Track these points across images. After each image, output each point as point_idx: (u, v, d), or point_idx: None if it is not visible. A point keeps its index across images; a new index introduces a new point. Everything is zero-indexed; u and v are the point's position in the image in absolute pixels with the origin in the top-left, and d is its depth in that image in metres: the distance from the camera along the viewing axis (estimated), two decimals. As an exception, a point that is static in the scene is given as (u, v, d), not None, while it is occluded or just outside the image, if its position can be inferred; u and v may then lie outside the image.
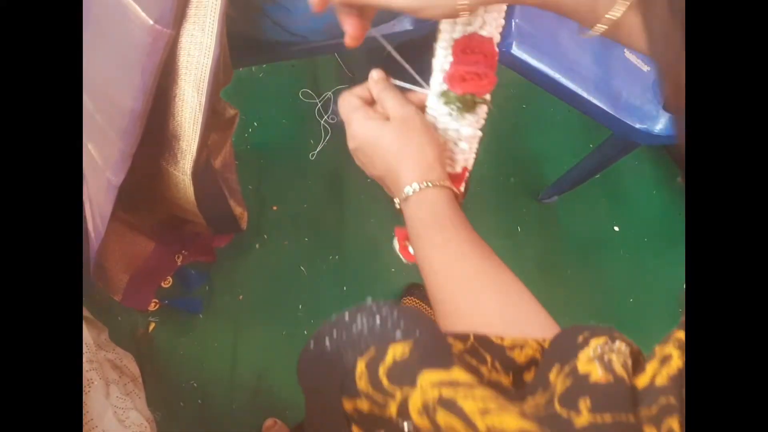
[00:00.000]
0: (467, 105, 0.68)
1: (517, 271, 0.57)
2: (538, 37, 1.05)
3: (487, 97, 0.68)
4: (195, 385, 1.28)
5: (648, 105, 1.11)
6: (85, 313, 1.19)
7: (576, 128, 1.76)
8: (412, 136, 0.63)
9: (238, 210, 1.19)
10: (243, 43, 0.82)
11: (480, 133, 0.70)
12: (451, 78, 0.66)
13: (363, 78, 0.71)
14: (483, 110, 0.68)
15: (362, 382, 0.40)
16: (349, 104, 0.67)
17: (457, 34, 0.65)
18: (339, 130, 1.51)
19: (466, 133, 0.69)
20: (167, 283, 1.28)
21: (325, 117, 1.49)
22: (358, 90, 0.68)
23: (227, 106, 0.95)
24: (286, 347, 1.34)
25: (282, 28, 0.78)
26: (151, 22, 0.71)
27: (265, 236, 1.39)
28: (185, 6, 0.70)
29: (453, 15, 0.56)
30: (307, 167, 1.46)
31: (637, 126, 1.09)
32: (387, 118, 0.64)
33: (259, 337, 1.33)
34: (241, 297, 1.34)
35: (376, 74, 0.67)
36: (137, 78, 0.75)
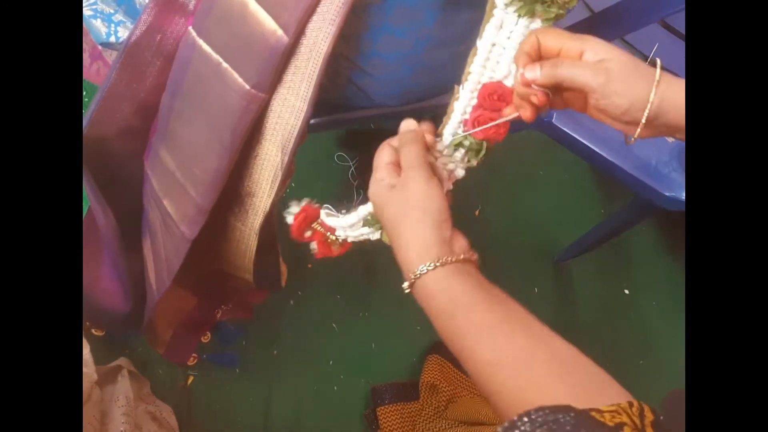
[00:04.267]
0: (479, 151, 0.69)
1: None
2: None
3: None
4: (228, 438, 1.29)
5: (674, 173, 1.18)
6: (129, 367, 1.20)
7: (588, 194, 1.83)
8: (411, 208, 0.61)
9: (282, 267, 1.23)
10: (323, 108, 0.87)
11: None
12: (474, 123, 0.67)
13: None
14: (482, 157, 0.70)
15: None
16: (378, 158, 0.67)
17: (485, 79, 0.67)
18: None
19: (459, 175, 0.71)
20: (206, 338, 1.30)
21: (358, 180, 1.55)
22: (394, 141, 0.68)
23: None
24: (316, 402, 1.36)
25: (365, 94, 0.84)
26: (248, 87, 0.76)
27: (300, 293, 1.42)
28: (282, 72, 0.76)
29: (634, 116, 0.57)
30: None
31: (666, 194, 1.15)
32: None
33: (291, 391, 1.35)
34: (275, 352, 1.37)
35: (405, 124, 0.68)
36: (226, 138, 0.81)
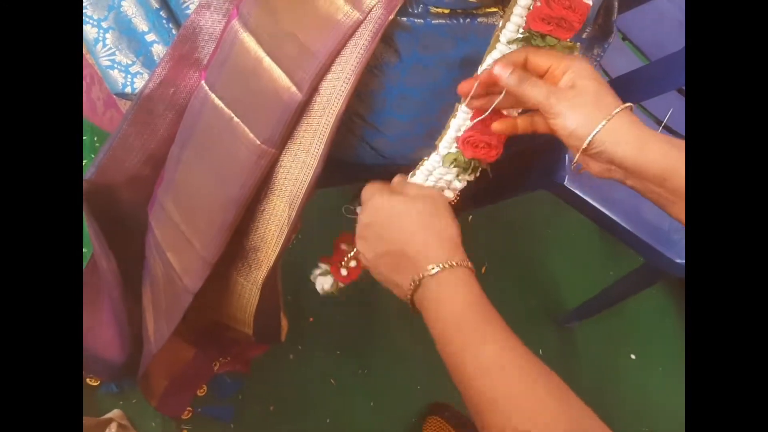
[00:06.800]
0: (470, 169, 0.73)
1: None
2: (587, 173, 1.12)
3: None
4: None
5: (683, 241, 1.16)
6: (122, 419, 1.17)
7: (595, 255, 1.82)
8: (438, 214, 0.66)
9: (283, 321, 1.20)
10: (332, 164, 0.86)
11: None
12: (464, 142, 0.71)
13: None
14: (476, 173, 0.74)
15: None
16: (372, 186, 0.72)
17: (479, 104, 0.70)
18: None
19: (456, 186, 0.75)
20: (202, 392, 1.27)
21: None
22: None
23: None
24: (312, 462, 1.33)
25: (377, 152, 0.83)
26: (258, 141, 0.76)
27: (300, 347, 1.40)
28: (294, 129, 0.75)
29: None
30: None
31: (677, 261, 1.14)
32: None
33: (286, 450, 1.31)
34: (272, 407, 1.33)
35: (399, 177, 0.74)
36: (235, 192, 0.79)
